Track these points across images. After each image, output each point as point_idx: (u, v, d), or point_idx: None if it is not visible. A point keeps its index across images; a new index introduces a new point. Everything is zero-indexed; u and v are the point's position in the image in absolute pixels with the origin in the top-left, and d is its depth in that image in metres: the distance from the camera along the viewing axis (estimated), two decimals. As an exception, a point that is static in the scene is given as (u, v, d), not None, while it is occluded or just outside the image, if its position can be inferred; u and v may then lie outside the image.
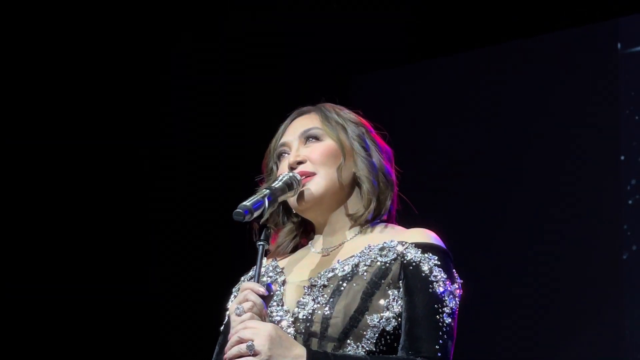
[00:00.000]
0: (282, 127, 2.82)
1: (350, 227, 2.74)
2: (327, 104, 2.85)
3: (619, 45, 5.34)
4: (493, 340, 5.41)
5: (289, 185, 2.65)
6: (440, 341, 2.53)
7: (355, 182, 2.75)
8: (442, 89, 5.80)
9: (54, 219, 5.62)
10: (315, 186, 2.70)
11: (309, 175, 2.70)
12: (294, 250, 2.83)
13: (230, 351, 2.45)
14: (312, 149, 2.73)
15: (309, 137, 2.76)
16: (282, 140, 2.78)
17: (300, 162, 2.72)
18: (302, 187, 2.68)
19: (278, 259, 2.80)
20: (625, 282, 5.12)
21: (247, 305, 2.48)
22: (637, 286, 5.11)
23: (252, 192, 2.64)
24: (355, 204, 2.75)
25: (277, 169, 2.77)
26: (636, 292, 5.10)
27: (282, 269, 2.74)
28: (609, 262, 5.17)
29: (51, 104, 5.63)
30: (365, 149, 2.77)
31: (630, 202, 5.18)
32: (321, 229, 2.77)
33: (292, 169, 2.71)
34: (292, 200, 2.71)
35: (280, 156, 2.77)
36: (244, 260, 2.87)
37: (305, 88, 5.48)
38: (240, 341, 2.44)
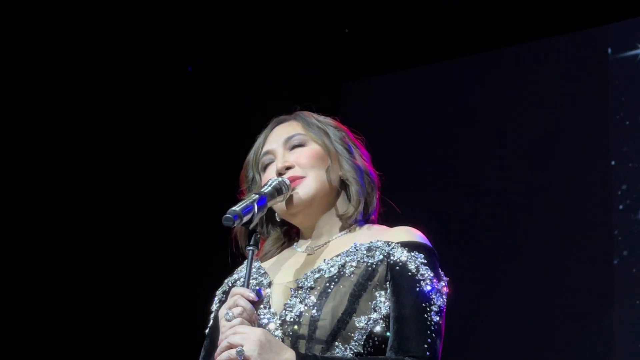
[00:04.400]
0: (262, 136, 2.81)
1: (338, 229, 2.74)
2: (304, 111, 2.85)
3: (609, 50, 5.35)
4: (481, 344, 5.41)
5: (278, 190, 2.64)
6: (429, 340, 2.53)
7: (341, 185, 2.76)
8: (432, 96, 5.81)
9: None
10: (305, 189, 2.69)
11: (299, 179, 2.70)
12: None
13: (220, 357, 2.44)
14: (298, 154, 2.73)
15: (294, 144, 2.76)
16: (265, 149, 2.78)
17: (288, 168, 2.71)
18: (292, 191, 2.69)
19: (261, 259, 2.79)
20: (616, 287, 5.13)
21: (236, 310, 2.48)
22: (627, 291, 5.11)
23: (238, 200, 2.64)
24: (343, 205, 2.75)
25: (261, 178, 2.76)
26: (626, 297, 5.11)
27: (266, 270, 2.74)
28: (600, 267, 5.18)
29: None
30: (349, 151, 2.78)
31: (621, 207, 5.19)
32: (308, 233, 2.76)
33: (280, 174, 2.70)
34: (280, 206, 2.70)
35: (265, 165, 2.77)
36: (226, 263, 2.87)
37: (295, 95, 5.48)
38: (230, 346, 2.44)
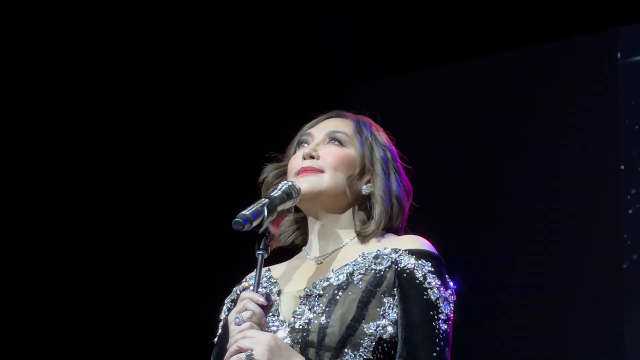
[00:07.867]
0: (316, 119, 2.82)
1: (347, 237, 2.73)
2: (368, 118, 2.86)
3: (618, 54, 5.35)
4: (490, 348, 5.41)
5: (288, 195, 2.64)
6: (438, 348, 2.53)
7: (365, 200, 2.74)
8: (440, 98, 5.81)
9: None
10: (317, 180, 2.69)
11: (317, 171, 2.70)
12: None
13: (230, 360, 2.45)
14: (329, 151, 2.73)
15: (333, 139, 2.76)
16: (310, 130, 2.79)
17: (312, 157, 2.71)
18: (304, 179, 2.68)
19: (271, 269, 2.79)
20: (625, 292, 5.12)
21: (246, 314, 2.48)
22: (637, 295, 5.10)
23: (251, 201, 2.64)
24: (359, 220, 2.73)
25: (294, 154, 2.76)
26: (636, 302, 5.09)
27: (277, 279, 2.73)
28: (609, 272, 5.17)
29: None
30: (385, 172, 2.75)
31: (630, 211, 5.18)
32: (315, 230, 2.75)
33: (303, 159, 2.71)
34: None
35: (300, 144, 2.78)
36: (235, 270, 2.87)
37: (304, 97, 5.49)
38: (240, 351, 2.45)
